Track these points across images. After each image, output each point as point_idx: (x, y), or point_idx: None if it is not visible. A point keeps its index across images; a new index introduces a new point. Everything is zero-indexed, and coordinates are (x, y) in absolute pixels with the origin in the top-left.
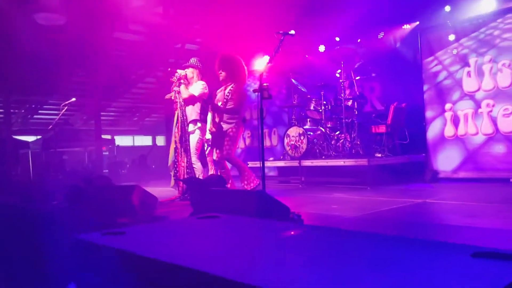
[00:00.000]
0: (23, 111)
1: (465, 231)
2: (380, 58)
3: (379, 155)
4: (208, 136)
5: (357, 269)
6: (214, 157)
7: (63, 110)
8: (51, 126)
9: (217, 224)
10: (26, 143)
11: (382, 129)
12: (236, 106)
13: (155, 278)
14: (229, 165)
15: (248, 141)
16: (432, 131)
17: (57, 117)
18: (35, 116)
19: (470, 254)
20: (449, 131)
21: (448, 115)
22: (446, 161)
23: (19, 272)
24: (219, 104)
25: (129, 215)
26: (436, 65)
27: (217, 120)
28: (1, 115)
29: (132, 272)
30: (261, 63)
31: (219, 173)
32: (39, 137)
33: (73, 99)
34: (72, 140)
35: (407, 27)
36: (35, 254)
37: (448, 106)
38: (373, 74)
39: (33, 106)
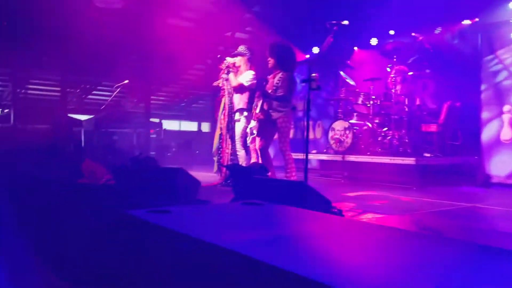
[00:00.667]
0: (78, 90)
1: None
2: (435, 54)
3: (428, 155)
4: (252, 124)
5: (418, 269)
6: (257, 146)
7: (116, 92)
8: (103, 106)
9: (261, 211)
10: (79, 121)
11: (433, 128)
12: (286, 94)
13: (196, 257)
14: (271, 154)
15: (291, 132)
16: (487, 133)
17: (109, 98)
18: (89, 96)
19: None
20: (506, 134)
21: (506, 117)
22: (500, 165)
23: (69, 242)
24: (268, 89)
25: (172, 196)
26: (496, 64)
27: (265, 107)
28: (58, 94)
29: (174, 249)
30: (310, 54)
31: (261, 162)
32: (91, 116)
33: (126, 81)
34: (122, 121)
35: (466, 22)
36: (84, 226)
37: (506, 108)
38: (427, 71)
39: (88, 86)
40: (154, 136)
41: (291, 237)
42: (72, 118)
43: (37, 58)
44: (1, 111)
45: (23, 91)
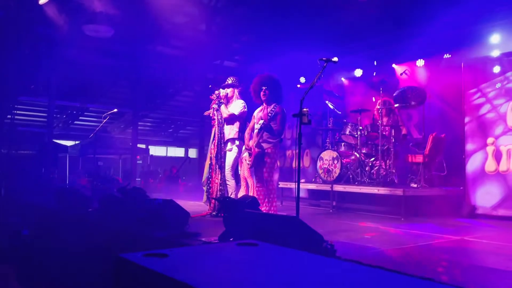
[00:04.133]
0: (64, 116)
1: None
2: (420, 86)
3: (415, 185)
4: (245, 154)
5: None
6: (245, 174)
7: (105, 120)
8: (92, 134)
9: (256, 253)
10: (65, 147)
11: (419, 158)
12: (280, 127)
13: None
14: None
15: (280, 161)
16: (472, 165)
17: (95, 124)
18: (75, 122)
19: None
20: (490, 166)
21: (489, 149)
22: (486, 197)
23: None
24: (261, 122)
25: (162, 228)
26: (479, 97)
27: (258, 139)
28: (44, 119)
29: None
30: (298, 84)
31: (255, 190)
32: (77, 142)
33: (115, 110)
34: (108, 147)
35: (448, 56)
36: (70, 262)
37: (490, 140)
38: (413, 103)
39: (74, 112)
40: (140, 162)
41: (291, 283)
42: (57, 143)
43: (24, 86)
44: None
45: (9, 116)
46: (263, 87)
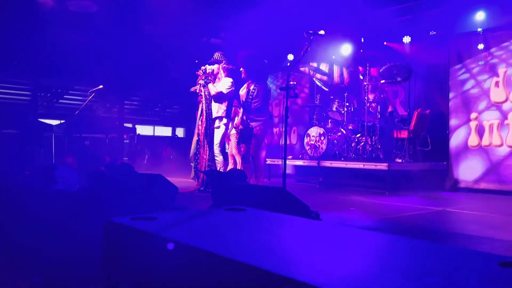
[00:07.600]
0: (49, 95)
1: (486, 242)
2: (406, 63)
3: (400, 160)
4: (232, 131)
5: (388, 274)
6: (233, 152)
7: (90, 97)
8: (77, 111)
9: (245, 216)
10: (50, 126)
11: (404, 134)
12: (262, 104)
13: (185, 263)
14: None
15: (267, 138)
16: (456, 140)
17: (81, 102)
18: (60, 101)
19: (497, 263)
20: (473, 140)
21: (473, 124)
22: (468, 171)
23: (47, 249)
24: (244, 100)
25: (150, 203)
26: (463, 73)
27: (244, 117)
28: (28, 98)
29: (162, 256)
30: (285, 61)
31: (242, 167)
32: (62, 121)
33: (101, 86)
34: (94, 126)
35: (433, 33)
36: (63, 235)
37: (473, 115)
38: (399, 79)
39: (59, 90)
40: (127, 141)
41: (278, 242)
42: (42, 122)
43: (7, 63)
44: None
45: None
46: (240, 68)
